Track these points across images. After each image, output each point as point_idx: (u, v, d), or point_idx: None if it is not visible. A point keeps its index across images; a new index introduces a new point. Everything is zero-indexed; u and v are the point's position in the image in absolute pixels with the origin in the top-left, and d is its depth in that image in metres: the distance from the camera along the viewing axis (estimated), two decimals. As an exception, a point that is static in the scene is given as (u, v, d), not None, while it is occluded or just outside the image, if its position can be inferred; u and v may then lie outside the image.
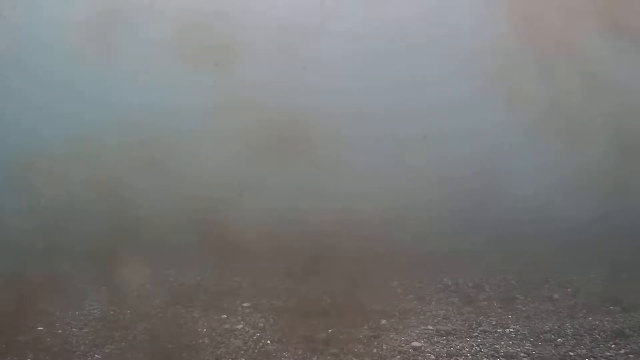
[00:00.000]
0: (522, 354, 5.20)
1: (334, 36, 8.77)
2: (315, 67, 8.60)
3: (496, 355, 5.21)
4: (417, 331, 5.77)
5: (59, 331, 5.78)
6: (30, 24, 8.97)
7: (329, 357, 5.21)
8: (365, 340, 5.53)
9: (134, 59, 8.54)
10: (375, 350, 5.35)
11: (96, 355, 5.30)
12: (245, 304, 6.50)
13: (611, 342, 5.35)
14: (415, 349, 5.37)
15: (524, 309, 6.32)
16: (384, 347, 5.39)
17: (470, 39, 8.65)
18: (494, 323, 5.93)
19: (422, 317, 6.17)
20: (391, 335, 5.65)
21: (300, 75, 8.36)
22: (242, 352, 5.35)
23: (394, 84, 8.95)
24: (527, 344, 5.40)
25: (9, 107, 8.96)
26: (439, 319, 6.11)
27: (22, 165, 8.35)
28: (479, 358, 5.18)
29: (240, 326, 5.92)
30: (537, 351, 5.24)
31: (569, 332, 5.62)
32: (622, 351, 5.17)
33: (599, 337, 5.46)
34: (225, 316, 6.18)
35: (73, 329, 5.84)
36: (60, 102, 8.87)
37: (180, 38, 8.24)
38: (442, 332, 5.73)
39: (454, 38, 8.85)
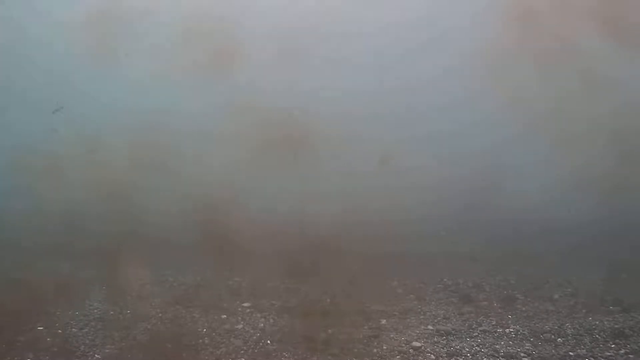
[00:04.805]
0: (522, 354, 5.20)
1: (333, 39, 8.78)
2: (315, 70, 8.61)
3: (496, 355, 5.21)
4: (417, 331, 5.77)
5: (59, 331, 5.78)
6: (30, 24, 8.99)
7: (329, 357, 5.21)
8: (365, 340, 5.53)
9: (135, 62, 8.55)
10: (375, 350, 5.35)
11: (96, 355, 5.30)
12: (245, 304, 6.50)
13: (611, 342, 5.35)
14: (415, 349, 5.37)
15: (524, 309, 6.32)
16: (384, 347, 5.39)
17: (468, 40, 8.65)
18: (494, 323, 5.93)
19: (422, 317, 6.17)
20: (391, 335, 5.65)
21: (301, 78, 8.37)
22: (242, 352, 5.35)
23: (394, 84, 8.96)
24: (527, 344, 5.40)
25: (10, 106, 8.95)
26: (439, 319, 6.11)
27: (22, 166, 8.35)
28: (479, 358, 5.18)
29: (240, 326, 5.91)
30: (537, 351, 5.24)
31: (569, 332, 5.62)
32: (622, 351, 5.17)
33: (599, 337, 5.46)
34: (225, 316, 6.18)
35: (73, 329, 5.84)
36: (60, 102, 8.87)
37: (181, 41, 8.25)
38: (442, 332, 5.73)
39: (452, 39, 8.86)
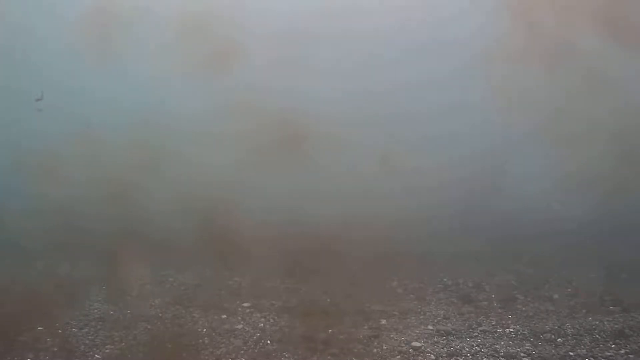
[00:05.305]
0: (522, 354, 5.21)
1: (333, 39, 8.78)
2: (315, 71, 8.61)
3: (496, 355, 5.21)
4: (417, 331, 5.77)
5: (59, 331, 5.78)
6: (29, 22, 8.98)
7: (329, 357, 5.21)
8: (365, 340, 5.53)
9: (133, 61, 8.55)
10: (375, 350, 5.35)
11: (96, 356, 5.30)
12: (245, 304, 6.50)
13: (611, 342, 5.35)
14: (415, 349, 5.38)
15: (524, 309, 6.32)
16: (384, 347, 5.39)
17: (470, 42, 8.65)
18: (494, 323, 5.93)
19: (422, 317, 6.18)
20: (391, 335, 5.65)
21: (300, 79, 8.36)
22: (242, 352, 5.35)
23: (393, 86, 8.95)
24: (527, 344, 5.40)
25: (10, 105, 8.95)
26: (439, 319, 6.12)
27: (22, 164, 8.35)
28: (479, 358, 5.18)
29: (240, 326, 5.92)
30: (537, 351, 5.25)
31: (569, 332, 5.62)
32: (622, 351, 5.18)
33: (599, 337, 5.47)
34: (225, 316, 6.18)
35: (73, 329, 5.84)
36: (59, 102, 8.87)
37: (179, 41, 8.25)
38: (442, 332, 5.73)
39: (453, 41, 8.86)
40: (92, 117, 8.71)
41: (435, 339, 5.57)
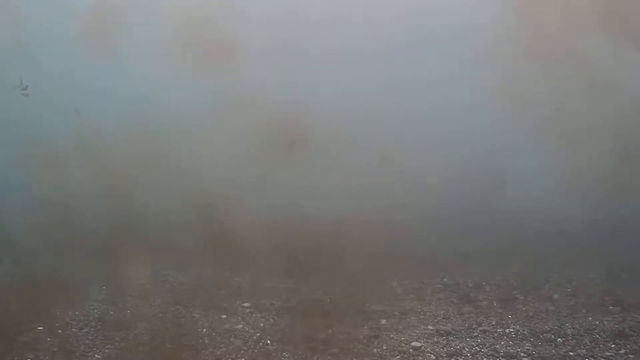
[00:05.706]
0: (522, 354, 5.20)
1: (335, 34, 8.77)
2: (316, 65, 8.59)
3: (496, 355, 5.21)
4: (417, 331, 5.77)
5: (59, 331, 5.78)
6: (31, 13, 8.97)
7: (329, 357, 5.21)
8: (365, 340, 5.53)
9: (135, 54, 8.53)
10: (375, 350, 5.35)
11: (96, 355, 5.30)
12: (245, 304, 6.50)
13: (611, 342, 5.35)
14: (415, 349, 5.38)
15: (524, 309, 6.32)
16: (384, 347, 5.39)
17: (471, 39, 8.64)
18: (494, 323, 5.93)
19: (422, 317, 6.18)
20: (391, 335, 5.65)
21: (301, 73, 8.35)
22: (242, 352, 5.35)
23: (396, 83, 8.95)
24: (527, 344, 5.40)
25: (12, 98, 8.92)
26: (439, 319, 6.12)
27: (23, 157, 8.34)
28: (479, 358, 5.18)
29: (240, 326, 5.92)
30: (537, 351, 5.24)
31: (569, 332, 5.62)
32: (622, 351, 5.17)
33: (599, 337, 5.47)
34: (225, 316, 6.18)
35: (73, 329, 5.84)
36: (61, 94, 8.85)
37: (181, 33, 8.23)
38: (442, 332, 5.73)
39: (455, 38, 8.85)
40: (88, 109, 8.68)
41: (435, 339, 5.57)
